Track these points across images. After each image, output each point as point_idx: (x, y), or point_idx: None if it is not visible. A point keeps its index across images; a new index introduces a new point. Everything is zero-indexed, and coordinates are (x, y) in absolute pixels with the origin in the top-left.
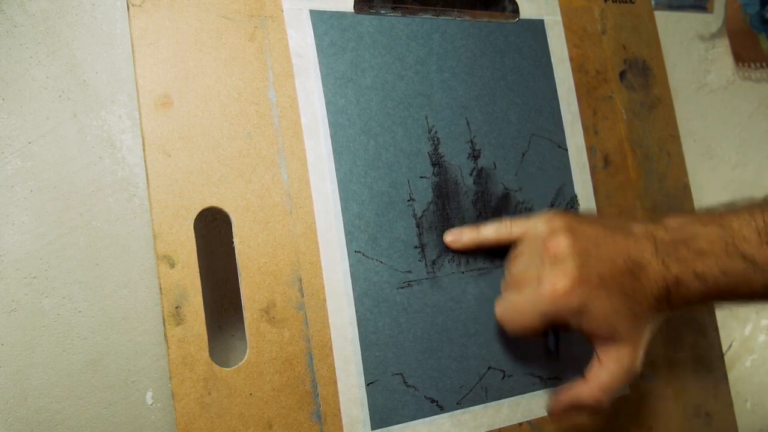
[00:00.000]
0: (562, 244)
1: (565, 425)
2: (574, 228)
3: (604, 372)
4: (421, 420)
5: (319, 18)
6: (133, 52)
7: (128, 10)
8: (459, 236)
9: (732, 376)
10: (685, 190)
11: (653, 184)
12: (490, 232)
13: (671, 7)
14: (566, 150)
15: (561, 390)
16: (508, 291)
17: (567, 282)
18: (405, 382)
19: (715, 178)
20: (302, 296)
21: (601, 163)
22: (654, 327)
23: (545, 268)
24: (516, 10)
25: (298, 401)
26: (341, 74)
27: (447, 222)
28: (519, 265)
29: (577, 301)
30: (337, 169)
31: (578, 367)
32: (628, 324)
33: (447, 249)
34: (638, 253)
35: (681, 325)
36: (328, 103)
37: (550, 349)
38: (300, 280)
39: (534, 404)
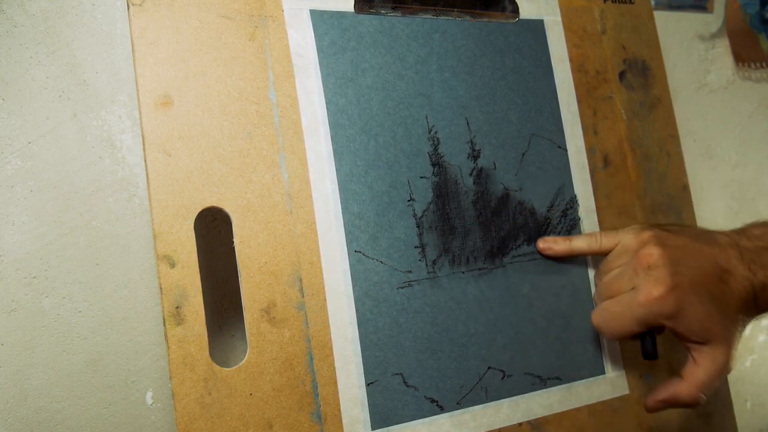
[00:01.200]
0: (654, 253)
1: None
2: (663, 239)
3: (701, 371)
4: (421, 420)
5: (319, 18)
6: (133, 51)
7: (128, 9)
8: (552, 245)
9: (732, 376)
10: (685, 190)
11: (653, 184)
12: (582, 243)
13: (671, 7)
14: (566, 150)
15: (659, 387)
16: (604, 299)
17: (662, 288)
18: (405, 382)
19: (715, 178)
20: (302, 296)
21: (600, 163)
22: (743, 328)
23: (639, 277)
24: (516, 10)
25: (299, 401)
26: (341, 74)
27: (447, 222)
28: (612, 275)
29: (672, 306)
30: (337, 169)
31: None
32: (720, 325)
33: (447, 249)
34: (725, 260)
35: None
36: (328, 103)
37: (648, 351)
38: (300, 280)
39: (534, 404)
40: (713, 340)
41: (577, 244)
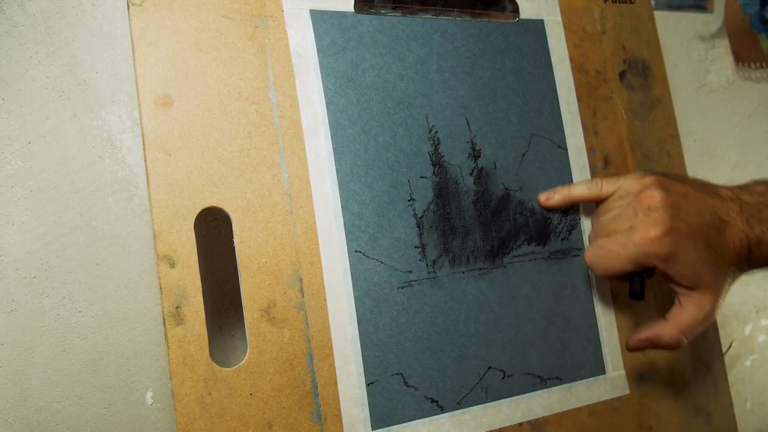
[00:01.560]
0: (655, 196)
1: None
2: (665, 184)
3: (686, 314)
4: (421, 420)
5: (319, 18)
6: (133, 51)
7: (128, 9)
8: (551, 194)
9: (732, 376)
10: None
11: None
12: (582, 189)
13: (671, 7)
14: (566, 150)
15: (642, 327)
16: (599, 237)
17: (659, 229)
18: (405, 382)
19: (715, 178)
20: (302, 296)
21: (601, 163)
22: (732, 281)
23: (638, 217)
24: (516, 10)
25: (299, 401)
26: (342, 74)
27: (447, 222)
28: (610, 215)
29: (667, 248)
30: (337, 169)
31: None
32: (711, 273)
33: (447, 249)
34: (724, 212)
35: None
36: (328, 103)
37: (635, 291)
38: (300, 280)
39: (534, 404)
40: (702, 287)
41: (577, 189)
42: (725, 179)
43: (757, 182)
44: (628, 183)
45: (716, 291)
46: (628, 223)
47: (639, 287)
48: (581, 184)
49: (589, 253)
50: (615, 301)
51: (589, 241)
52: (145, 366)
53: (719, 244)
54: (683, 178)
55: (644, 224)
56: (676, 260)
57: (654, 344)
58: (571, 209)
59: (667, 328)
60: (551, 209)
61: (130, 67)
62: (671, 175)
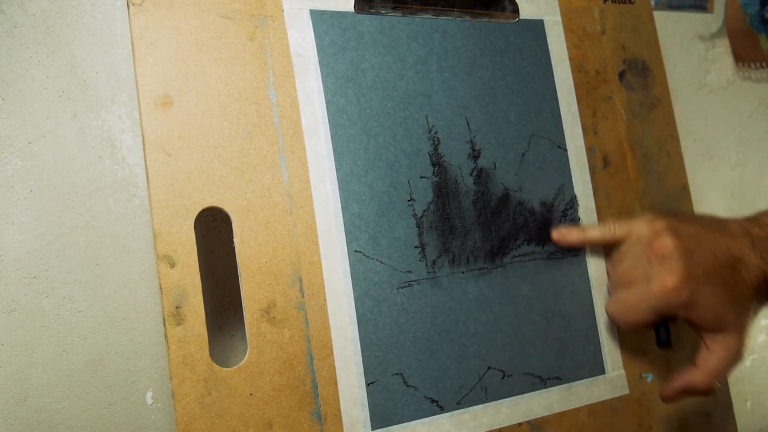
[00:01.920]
0: (667, 244)
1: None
2: (676, 228)
3: (714, 358)
4: (421, 420)
5: (319, 18)
6: (133, 51)
7: (128, 9)
8: (566, 235)
9: (732, 376)
10: (685, 190)
11: (653, 184)
12: (596, 232)
13: (671, 7)
14: (566, 150)
15: (674, 377)
16: (618, 289)
17: (676, 278)
18: (405, 382)
19: (715, 178)
20: (302, 296)
21: (600, 164)
22: (754, 315)
23: (653, 267)
24: (516, 10)
25: (299, 401)
26: (342, 74)
27: (447, 222)
28: (625, 265)
29: (686, 296)
30: (337, 169)
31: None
32: (732, 313)
33: (447, 249)
34: (737, 249)
35: (681, 324)
36: (328, 103)
37: (661, 339)
38: (300, 280)
39: (534, 404)
40: (726, 328)
41: (591, 233)
42: (725, 179)
43: (765, 213)
44: (640, 228)
45: (740, 329)
46: (645, 274)
47: (665, 335)
48: (595, 228)
49: (611, 308)
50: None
51: (608, 293)
52: (145, 366)
53: (736, 282)
54: (692, 218)
55: (660, 274)
56: (697, 306)
57: (688, 393)
58: (570, 208)
59: (699, 374)
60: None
61: (130, 67)
62: (680, 216)
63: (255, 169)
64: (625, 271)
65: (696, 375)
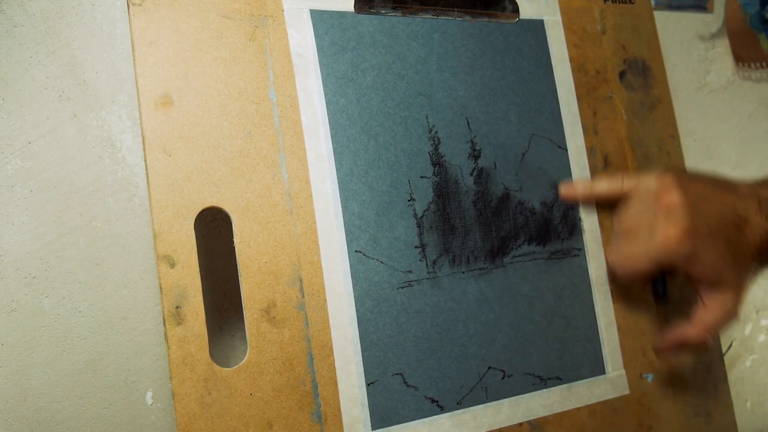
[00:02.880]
0: (674, 196)
1: (668, 361)
2: (684, 183)
3: (709, 314)
4: (421, 420)
5: (319, 17)
6: (133, 51)
7: (128, 9)
8: (572, 188)
9: (732, 376)
10: None
11: None
12: (603, 185)
13: (671, 7)
14: (566, 150)
15: (668, 330)
16: (620, 239)
17: (679, 231)
18: (405, 382)
19: None
20: (303, 296)
21: (601, 163)
22: (754, 276)
23: (658, 219)
24: (516, 10)
25: (299, 401)
26: (342, 74)
27: (447, 222)
28: (630, 216)
29: (688, 249)
30: (337, 169)
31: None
32: (732, 271)
33: (448, 249)
34: (743, 209)
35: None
36: (328, 103)
37: (658, 292)
38: (300, 280)
39: (534, 404)
40: (724, 285)
41: (598, 186)
42: None
43: None
44: (648, 181)
45: (738, 288)
46: (649, 225)
47: (662, 289)
48: (602, 180)
49: (611, 256)
50: (615, 301)
51: (612, 241)
52: (145, 366)
53: (739, 241)
54: (702, 176)
55: (664, 226)
56: (698, 260)
57: (681, 345)
58: (571, 210)
59: (693, 329)
60: (571, 201)
61: (130, 67)
62: (690, 174)
63: (255, 169)
64: (629, 222)
65: (690, 329)
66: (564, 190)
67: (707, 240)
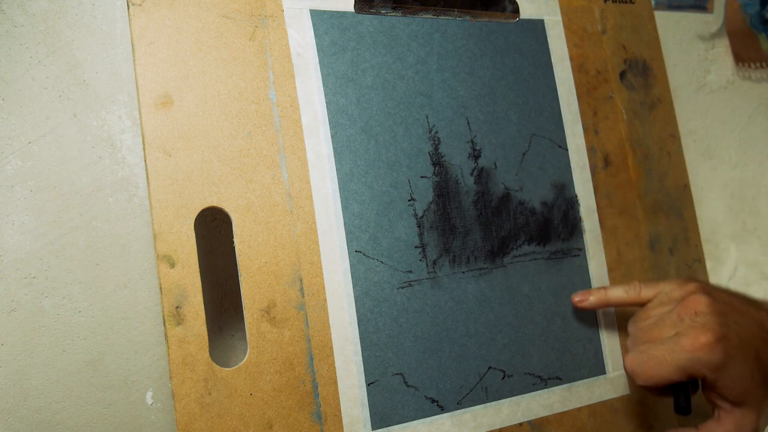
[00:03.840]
0: (702, 301)
1: None
2: (709, 291)
3: (721, 429)
4: (421, 420)
5: (319, 17)
6: (133, 51)
7: (128, 9)
8: (586, 296)
9: None
10: (685, 190)
11: (653, 184)
12: (619, 292)
13: (671, 7)
14: (566, 150)
15: (672, 431)
16: (641, 344)
17: (710, 336)
18: (405, 382)
19: (715, 178)
20: (303, 296)
21: (601, 163)
22: None
23: (684, 323)
24: (516, 10)
25: (299, 401)
26: (342, 74)
27: (448, 222)
28: (651, 321)
29: (719, 357)
30: (337, 169)
31: None
32: (759, 391)
33: (448, 249)
34: None
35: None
36: (328, 103)
37: (680, 404)
38: (300, 280)
39: (534, 404)
40: (747, 404)
41: (614, 293)
42: (725, 179)
43: None
44: (670, 288)
45: (760, 411)
46: (674, 330)
47: (685, 401)
48: (618, 288)
49: (631, 360)
50: None
51: (626, 350)
52: (145, 366)
53: (767, 357)
54: (725, 289)
55: (693, 330)
56: (727, 371)
57: None
58: (571, 208)
59: None
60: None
61: (130, 67)
62: (713, 285)
63: (255, 169)
64: (650, 327)
65: None
66: (578, 298)
67: (738, 351)
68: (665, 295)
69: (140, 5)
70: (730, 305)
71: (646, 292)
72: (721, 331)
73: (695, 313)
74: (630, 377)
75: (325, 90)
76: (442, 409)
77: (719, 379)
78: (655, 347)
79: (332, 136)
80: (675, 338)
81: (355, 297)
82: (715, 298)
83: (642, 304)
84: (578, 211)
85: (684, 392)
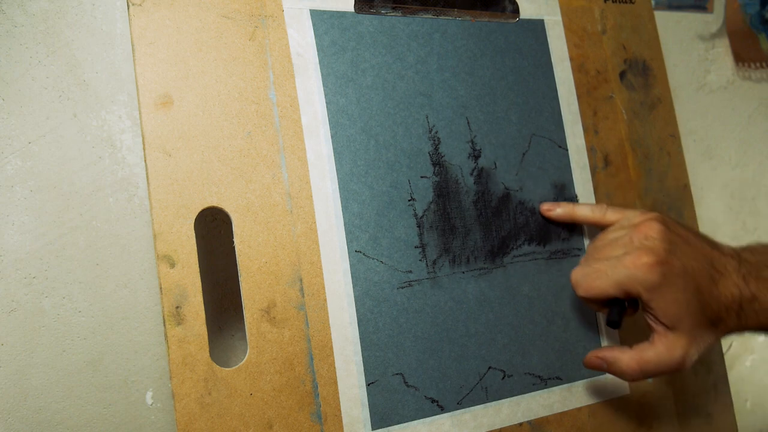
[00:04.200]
0: (654, 228)
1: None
2: (668, 222)
3: (652, 351)
4: (421, 420)
5: (319, 17)
6: (133, 51)
7: (128, 9)
8: (554, 206)
9: (732, 376)
10: (685, 189)
11: (653, 184)
12: (586, 210)
13: (671, 7)
14: (566, 150)
15: (605, 347)
16: (589, 258)
17: (652, 258)
18: (405, 382)
19: (715, 178)
20: (303, 296)
21: (601, 163)
22: (713, 340)
23: (633, 245)
24: (516, 10)
25: (299, 401)
26: (342, 74)
27: (448, 222)
28: (605, 240)
29: (656, 278)
30: (337, 169)
31: None
32: (693, 319)
33: (448, 249)
34: (721, 264)
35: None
36: (328, 103)
37: (612, 318)
38: (300, 280)
39: (534, 404)
40: (679, 330)
41: (581, 210)
42: (725, 179)
43: (760, 244)
44: (632, 214)
45: (692, 339)
46: (623, 250)
47: (617, 315)
48: (586, 206)
49: (576, 272)
50: None
51: (581, 261)
52: (145, 366)
53: (710, 293)
54: (687, 226)
55: (638, 251)
56: (662, 294)
57: (608, 366)
58: (570, 201)
59: (627, 356)
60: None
61: (130, 67)
62: (675, 220)
63: (255, 169)
64: (603, 245)
65: (625, 355)
66: (545, 206)
67: (677, 278)
68: (627, 219)
69: (140, 5)
70: (683, 237)
71: (611, 215)
72: (665, 256)
73: (645, 237)
74: (573, 288)
75: (325, 90)
76: (442, 409)
77: (653, 300)
78: (600, 263)
79: (332, 136)
80: (620, 256)
81: (355, 297)
82: (669, 229)
83: (605, 226)
84: None
85: (618, 308)
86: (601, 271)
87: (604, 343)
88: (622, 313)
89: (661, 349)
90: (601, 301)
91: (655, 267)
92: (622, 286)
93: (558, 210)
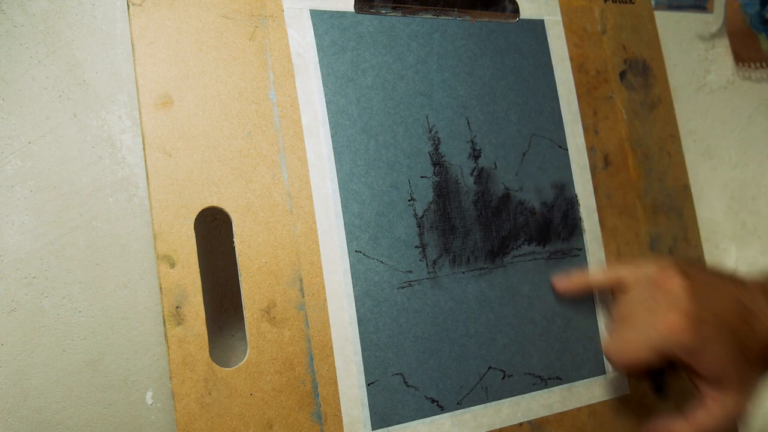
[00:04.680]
0: (675, 281)
1: None
2: (686, 269)
3: (707, 415)
4: (421, 420)
5: (319, 17)
6: (133, 51)
7: (128, 9)
8: (567, 280)
9: None
10: (685, 190)
11: (653, 184)
12: (599, 276)
13: (671, 7)
14: (566, 150)
15: (658, 420)
16: (618, 327)
17: (683, 318)
18: (405, 382)
19: (715, 178)
20: (303, 296)
21: (601, 163)
22: (762, 378)
23: (659, 304)
24: (516, 10)
25: (299, 401)
26: (342, 74)
27: (448, 222)
28: (629, 303)
29: (693, 339)
30: (337, 169)
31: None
32: (737, 368)
33: (448, 249)
34: (749, 300)
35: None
36: (328, 103)
37: (657, 387)
38: (300, 280)
39: (534, 404)
40: (728, 385)
41: (595, 276)
42: (725, 179)
43: None
44: (647, 267)
45: (743, 390)
46: (650, 313)
47: (660, 383)
48: (598, 270)
49: (608, 344)
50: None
51: (609, 330)
52: (145, 366)
53: (747, 335)
54: (702, 265)
55: (666, 312)
56: (702, 353)
57: None
58: (571, 208)
59: (685, 427)
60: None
61: (130, 67)
62: (690, 261)
63: (255, 169)
64: (627, 309)
65: (682, 427)
66: (559, 283)
67: (714, 331)
68: (642, 272)
69: (140, 5)
70: (706, 283)
71: (624, 270)
72: (696, 312)
73: (668, 293)
74: (608, 360)
75: (325, 90)
76: (442, 409)
77: (695, 362)
78: (630, 330)
79: (332, 136)
80: (649, 321)
81: (355, 297)
82: (690, 278)
83: (622, 284)
84: (578, 211)
85: (660, 375)
86: (634, 339)
87: (605, 343)
88: (664, 379)
89: (715, 411)
90: (640, 370)
91: (688, 327)
92: (660, 353)
93: (572, 282)
